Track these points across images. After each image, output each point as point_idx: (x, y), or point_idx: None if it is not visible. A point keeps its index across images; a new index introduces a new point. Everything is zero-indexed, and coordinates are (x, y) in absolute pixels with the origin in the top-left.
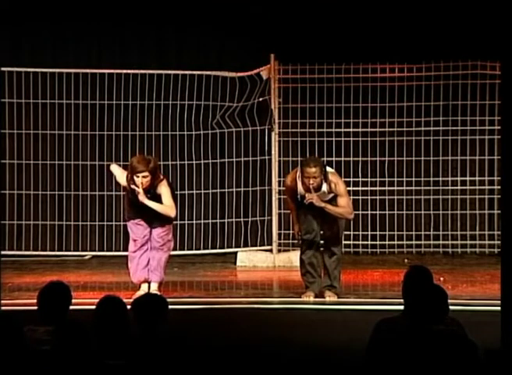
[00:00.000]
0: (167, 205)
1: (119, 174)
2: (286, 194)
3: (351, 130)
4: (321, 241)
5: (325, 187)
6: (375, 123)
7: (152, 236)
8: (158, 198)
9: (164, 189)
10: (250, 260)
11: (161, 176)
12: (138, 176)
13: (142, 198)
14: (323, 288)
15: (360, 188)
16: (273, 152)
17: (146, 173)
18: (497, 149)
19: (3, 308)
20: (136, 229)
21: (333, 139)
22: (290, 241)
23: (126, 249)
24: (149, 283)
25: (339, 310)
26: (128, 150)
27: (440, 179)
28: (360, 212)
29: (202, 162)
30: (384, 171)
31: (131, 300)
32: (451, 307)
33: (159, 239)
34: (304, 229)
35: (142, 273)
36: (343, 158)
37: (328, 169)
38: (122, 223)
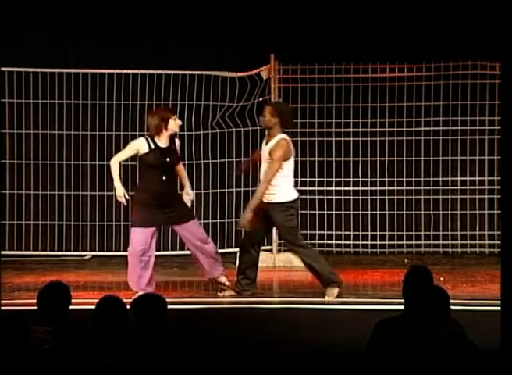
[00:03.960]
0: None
1: (128, 152)
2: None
3: (351, 130)
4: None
5: (271, 144)
6: (375, 123)
7: (192, 233)
8: (175, 153)
9: (178, 151)
10: None
11: None
12: (175, 119)
13: None
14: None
15: (360, 188)
16: None
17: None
18: (497, 149)
19: (3, 308)
20: (142, 235)
21: (333, 139)
22: None
23: (126, 249)
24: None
25: (339, 310)
26: None
27: (440, 179)
28: (360, 212)
29: (202, 162)
30: (384, 171)
31: (131, 300)
32: (451, 307)
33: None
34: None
35: (145, 288)
36: (343, 158)
37: (284, 136)
38: (122, 223)
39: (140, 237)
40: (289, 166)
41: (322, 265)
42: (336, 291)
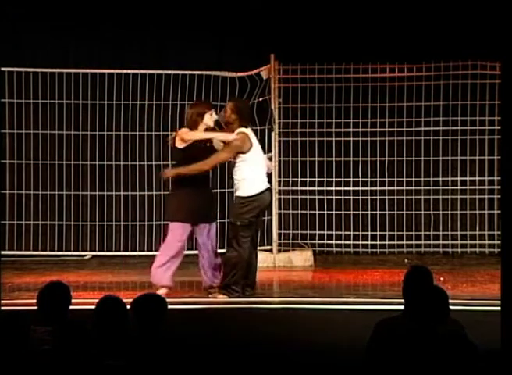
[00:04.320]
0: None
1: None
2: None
3: (351, 130)
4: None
5: (232, 137)
6: (375, 123)
7: (210, 237)
8: (211, 144)
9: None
10: None
11: None
12: (211, 114)
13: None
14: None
15: (360, 188)
16: (273, 152)
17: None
18: (497, 149)
19: (3, 308)
20: (181, 229)
21: (333, 139)
22: (290, 241)
23: (126, 249)
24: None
25: (339, 310)
26: (128, 150)
27: (440, 179)
28: (360, 212)
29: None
30: (384, 171)
31: (131, 300)
32: (451, 307)
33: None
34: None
35: (170, 280)
36: (343, 158)
37: (243, 129)
38: (122, 223)
39: (180, 232)
40: (250, 158)
41: (235, 277)
42: (220, 296)
